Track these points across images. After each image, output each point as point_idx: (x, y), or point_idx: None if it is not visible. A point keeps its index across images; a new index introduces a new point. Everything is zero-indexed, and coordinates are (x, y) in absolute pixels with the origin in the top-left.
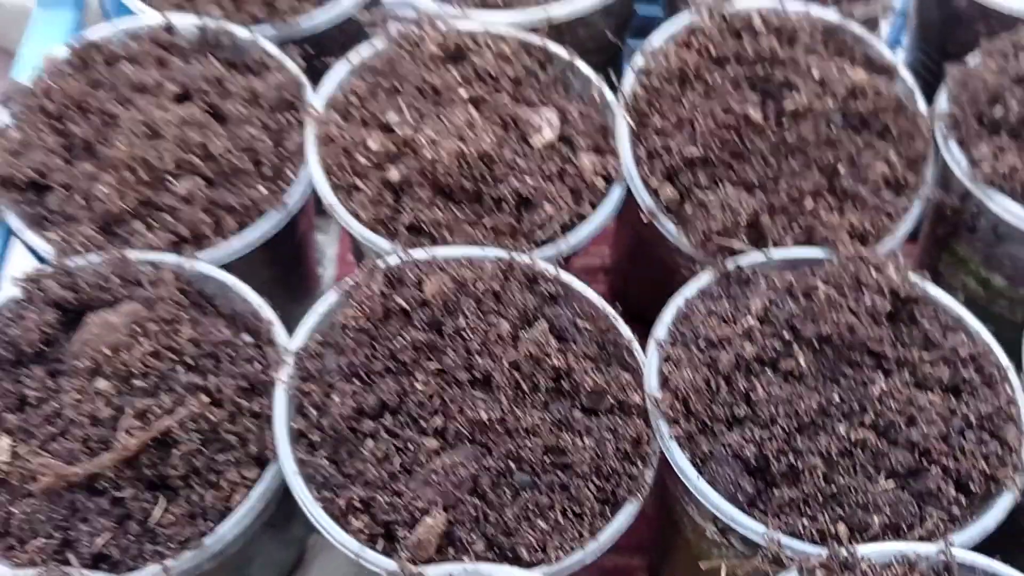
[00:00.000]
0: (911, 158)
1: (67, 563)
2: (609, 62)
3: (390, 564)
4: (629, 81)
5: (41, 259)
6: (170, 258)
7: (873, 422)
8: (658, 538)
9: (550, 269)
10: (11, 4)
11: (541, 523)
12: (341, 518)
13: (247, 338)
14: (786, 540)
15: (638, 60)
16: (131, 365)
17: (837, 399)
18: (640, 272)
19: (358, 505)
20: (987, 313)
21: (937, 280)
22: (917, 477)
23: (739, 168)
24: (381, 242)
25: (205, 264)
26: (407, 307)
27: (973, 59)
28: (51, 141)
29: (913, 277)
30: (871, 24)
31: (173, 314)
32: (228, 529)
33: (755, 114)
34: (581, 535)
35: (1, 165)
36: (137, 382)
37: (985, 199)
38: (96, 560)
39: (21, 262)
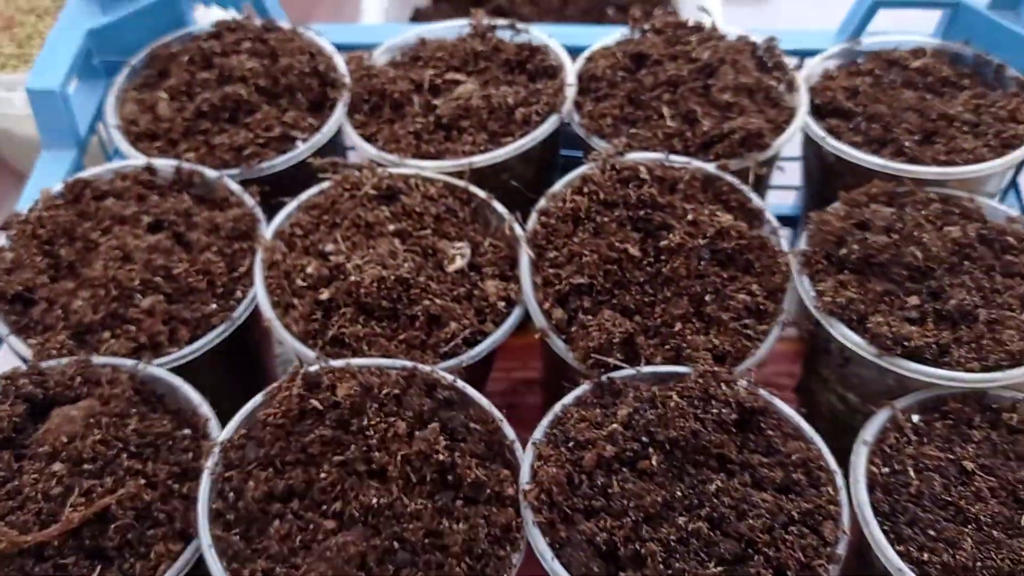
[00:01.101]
0: (771, 290)
1: None
2: (533, 201)
3: None
4: (532, 220)
5: (23, 359)
6: (128, 362)
7: (708, 515)
8: None
9: (447, 377)
10: (23, 135)
11: None
12: None
13: (186, 431)
14: None
15: (540, 202)
16: (83, 451)
17: (679, 494)
18: (558, 383)
19: None
20: (848, 427)
21: (810, 398)
22: (743, 563)
23: (619, 295)
24: (307, 352)
25: (156, 368)
26: (320, 407)
27: (833, 207)
28: (39, 262)
29: (762, 391)
30: (760, 178)
31: (123, 410)
32: None
33: (634, 250)
34: None
35: None
36: (87, 465)
37: (829, 327)
38: None
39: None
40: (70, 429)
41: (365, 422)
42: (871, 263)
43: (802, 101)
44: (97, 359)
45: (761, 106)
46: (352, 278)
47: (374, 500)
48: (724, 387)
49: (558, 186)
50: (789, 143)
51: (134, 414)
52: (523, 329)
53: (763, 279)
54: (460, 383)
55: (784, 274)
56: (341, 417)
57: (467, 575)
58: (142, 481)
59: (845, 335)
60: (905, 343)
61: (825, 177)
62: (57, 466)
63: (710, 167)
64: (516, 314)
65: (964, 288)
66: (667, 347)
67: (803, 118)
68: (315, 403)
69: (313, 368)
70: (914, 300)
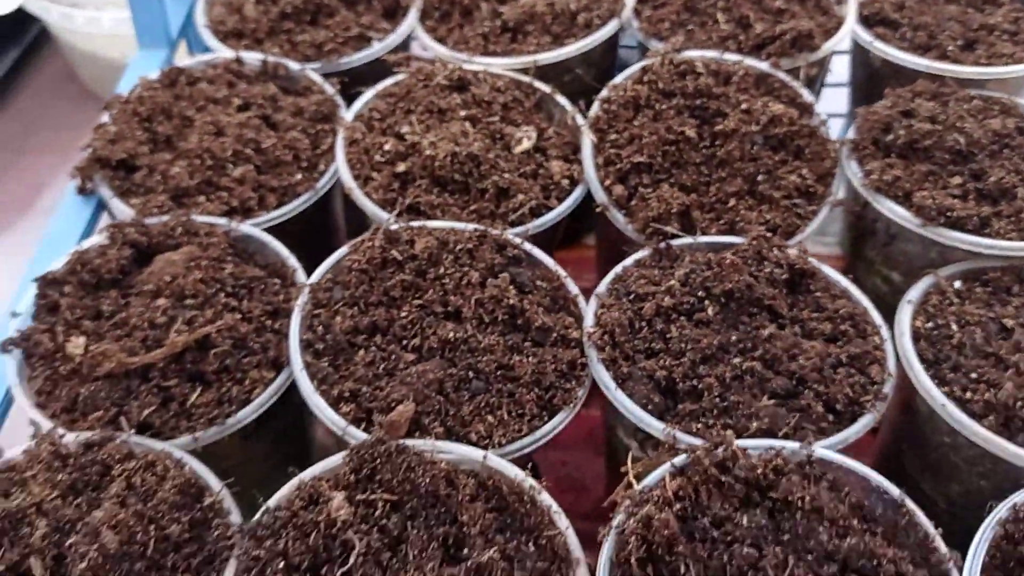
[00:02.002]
0: (820, 174)
1: (119, 429)
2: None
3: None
4: (594, 107)
5: None
6: (222, 220)
7: (761, 356)
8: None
9: (516, 239)
10: (107, 57)
11: (490, 418)
12: (334, 405)
13: (275, 280)
14: (681, 435)
15: (603, 92)
16: (184, 288)
17: (734, 339)
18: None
19: (347, 395)
20: (892, 309)
21: (856, 283)
22: (794, 398)
23: (676, 174)
24: (385, 215)
25: (248, 226)
26: (399, 258)
27: (880, 102)
28: (139, 135)
29: (810, 258)
30: (811, 79)
31: (220, 255)
32: (246, 413)
33: (691, 132)
34: (521, 431)
35: (100, 149)
36: (188, 300)
37: (875, 202)
38: (142, 428)
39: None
40: (172, 270)
41: (441, 271)
42: (916, 148)
43: (850, 10)
44: (195, 217)
45: (811, 13)
46: (427, 153)
47: (451, 335)
48: (776, 251)
49: (619, 78)
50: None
51: (229, 260)
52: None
53: (813, 164)
54: (527, 244)
55: (833, 159)
56: (419, 267)
57: (536, 403)
58: (238, 316)
59: (892, 209)
60: (948, 214)
61: (871, 84)
62: (161, 301)
63: (763, 65)
64: (578, 192)
65: (1004, 169)
66: (721, 221)
67: (852, 25)
68: (395, 254)
69: (393, 226)
70: (956, 180)
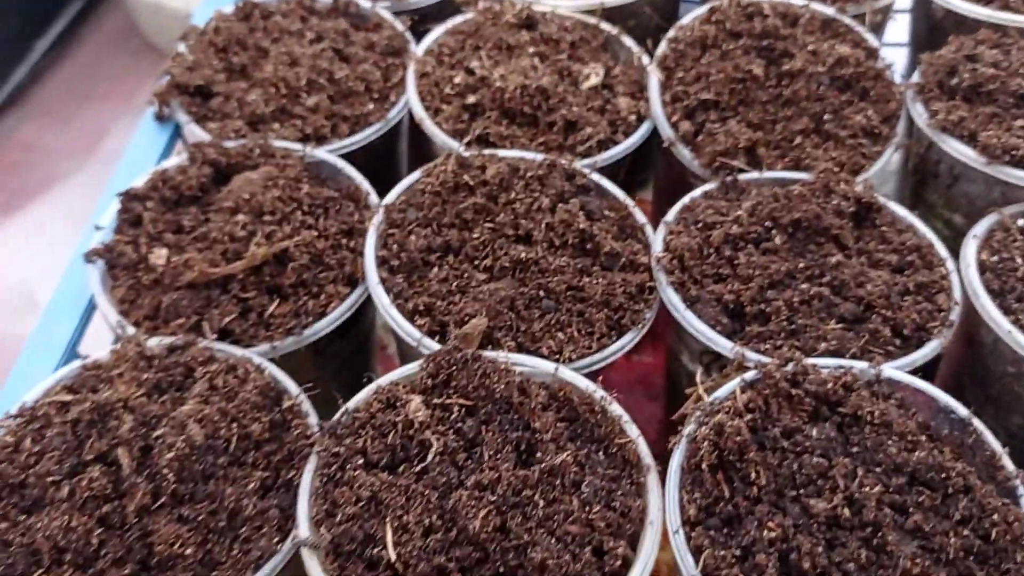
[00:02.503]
0: (885, 115)
1: (201, 336)
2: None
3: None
4: (661, 46)
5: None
6: (297, 146)
7: (829, 282)
8: (666, 400)
9: (585, 170)
10: (171, 7)
11: (560, 335)
12: (409, 317)
13: (349, 202)
14: (750, 354)
15: (670, 32)
16: (263, 205)
17: (802, 266)
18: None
19: (422, 309)
20: (954, 251)
21: None
22: (861, 323)
23: (743, 112)
24: (456, 144)
25: (323, 152)
26: (471, 183)
27: (944, 48)
28: (216, 64)
29: (876, 195)
30: (875, 26)
31: (297, 176)
32: (323, 325)
33: (758, 71)
34: (590, 348)
35: (178, 76)
36: (266, 216)
37: (940, 142)
38: (222, 335)
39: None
40: (251, 188)
41: (512, 196)
42: (979, 92)
43: None
44: (272, 141)
45: None
46: (497, 85)
47: (522, 255)
48: (843, 184)
49: (686, 19)
50: None
51: (306, 181)
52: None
53: (878, 106)
54: (595, 175)
55: (898, 102)
56: (490, 191)
57: (605, 322)
58: (314, 233)
59: (957, 148)
60: (1013, 152)
61: (933, 36)
62: (240, 216)
63: (829, 9)
64: (645, 128)
65: None
66: (787, 159)
67: None
68: (467, 179)
69: (464, 153)
70: (1020, 123)
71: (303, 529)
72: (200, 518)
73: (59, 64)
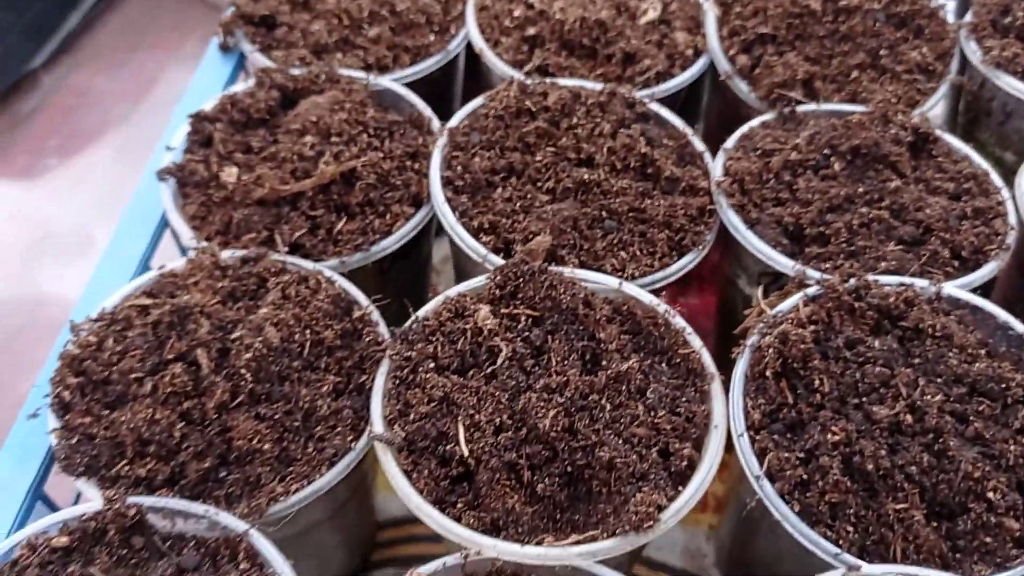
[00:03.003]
0: (939, 53)
1: (272, 249)
2: None
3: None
4: None
5: None
6: (361, 74)
7: (888, 206)
8: (719, 333)
9: (645, 99)
10: None
11: (622, 254)
12: (474, 235)
13: (413, 128)
14: (811, 272)
15: None
16: (330, 126)
17: (861, 191)
18: None
19: (487, 227)
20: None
21: None
22: (920, 245)
23: (800, 46)
24: (517, 73)
25: (386, 80)
26: (533, 108)
27: None
28: None
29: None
30: None
31: (362, 100)
32: (389, 243)
33: (815, 5)
34: (652, 267)
35: (243, 6)
36: (334, 137)
37: (994, 78)
38: (292, 249)
39: None
40: (318, 111)
41: (574, 121)
42: None
43: None
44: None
45: None
46: (557, 17)
47: (584, 177)
48: (900, 115)
49: None
50: None
51: (370, 106)
52: None
53: (932, 44)
54: (654, 104)
55: (952, 40)
56: (552, 117)
57: (667, 243)
58: (380, 155)
59: (1010, 84)
60: None
61: None
62: (308, 137)
63: None
64: (703, 61)
65: None
66: (843, 92)
67: None
68: (529, 104)
69: (526, 80)
70: None
71: (377, 426)
72: (276, 417)
73: (110, 13)
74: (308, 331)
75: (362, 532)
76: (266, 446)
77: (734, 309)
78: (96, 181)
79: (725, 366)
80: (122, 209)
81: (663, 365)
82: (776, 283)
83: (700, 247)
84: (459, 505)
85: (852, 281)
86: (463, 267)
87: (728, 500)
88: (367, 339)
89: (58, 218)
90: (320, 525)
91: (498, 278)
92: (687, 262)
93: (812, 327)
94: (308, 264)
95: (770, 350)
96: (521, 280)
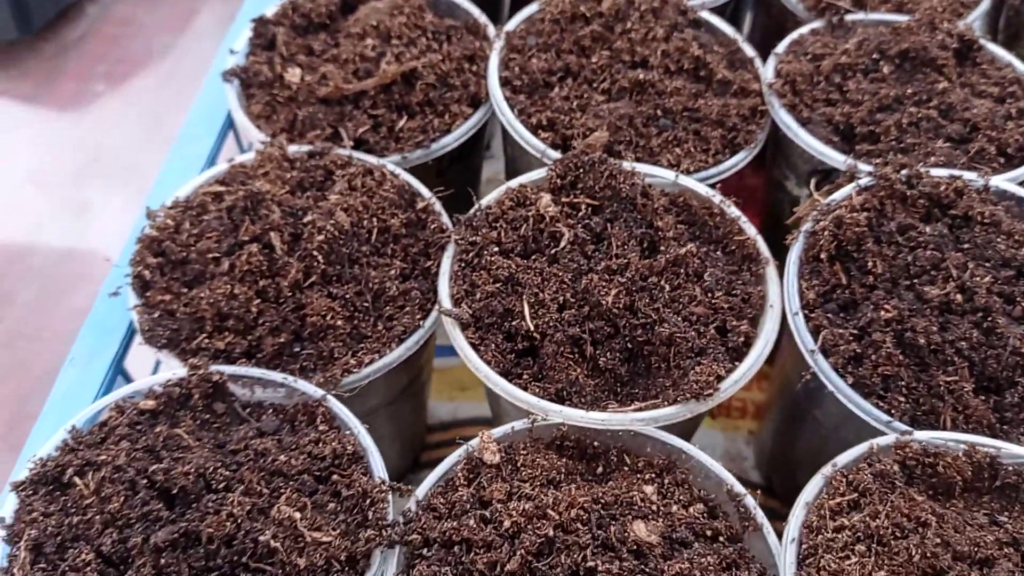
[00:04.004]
0: None
1: (338, 145)
2: None
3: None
4: None
5: None
6: None
7: (936, 106)
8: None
9: (696, 6)
10: None
11: (677, 150)
12: (533, 131)
13: (469, 33)
14: (863, 166)
15: None
16: (391, 29)
17: (910, 92)
18: None
19: (545, 124)
20: None
21: None
22: (967, 143)
23: None
24: None
25: None
26: (587, 13)
27: None
28: None
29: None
30: None
31: (420, 6)
32: (450, 140)
33: None
34: (707, 163)
35: None
36: (394, 40)
37: None
38: (356, 145)
39: None
40: (378, 16)
41: (628, 25)
42: None
43: None
44: None
45: None
46: None
47: (640, 77)
48: (947, 23)
49: None
50: None
51: (428, 11)
52: None
53: None
54: (705, 11)
55: None
56: (606, 22)
57: (720, 140)
58: (439, 56)
59: None
60: None
61: None
62: (369, 40)
63: None
64: None
65: None
66: (890, 3)
67: None
68: (583, 10)
69: None
70: None
71: (446, 303)
72: (347, 297)
73: None
74: (375, 218)
75: (414, 428)
76: (338, 323)
77: (780, 214)
78: (142, 108)
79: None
80: (173, 132)
81: (718, 253)
82: (826, 180)
83: (752, 145)
84: (524, 377)
85: (904, 171)
86: (518, 168)
87: (769, 405)
88: (432, 227)
89: (106, 143)
90: (378, 412)
91: (559, 168)
92: (741, 159)
93: (865, 213)
94: (372, 158)
95: (825, 233)
96: (581, 170)
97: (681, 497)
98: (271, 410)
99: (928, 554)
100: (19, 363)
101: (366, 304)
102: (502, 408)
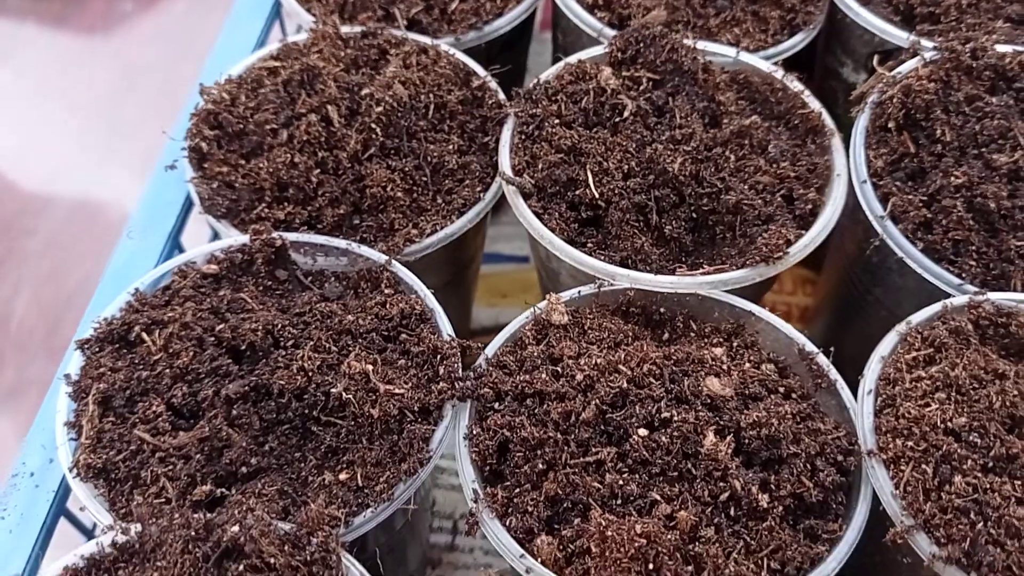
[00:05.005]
0: None
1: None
2: None
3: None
4: None
5: None
6: None
7: None
8: None
9: None
10: None
11: (736, 31)
12: (588, 11)
13: None
14: (925, 42)
15: None
16: None
17: None
18: None
19: (601, 3)
20: None
21: None
22: None
23: None
24: None
25: None
26: None
27: None
28: None
29: None
30: None
31: None
32: (502, 23)
33: None
34: (766, 42)
35: None
36: None
37: None
38: (409, 26)
39: None
40: None
41: None
42: None
43: None
44: None
45: None
46: None
47: None
48: None
49: None
50: None
51: None
52: None
53: None
54: None
55: None
56: None
57: (779, 21)
58: None
59: None
60: None
61: None
62: None
63: None
64: None
65: None
66: None
67: None
68: None
69: None
70: None
71: (507, 172)
72: (407, 170)
73: None
74: (432, 94)
75: (459, 326)
76: (398, 194)
77: (834, 106)
78: (173, 24)
79: None
80: (204, 48)
81: (781, 128)
82: (886, 60)
83: (811, 26)
84: (589, 246)
85: (969, 44)
86: (569, 53)
87: (819, 306)
88: (489, 102)
89: (138, 61)
90: None
91: (620, 42)
92: (800, 39)
93: (932, 83)
94: (426, 38)
95: (893, 101)
96: (642, 44)
97: (751, 358)
98: (333, 278)
99: (1008, 403)
100: (56, 271)
101: (425, 178)
102: (561, 285)
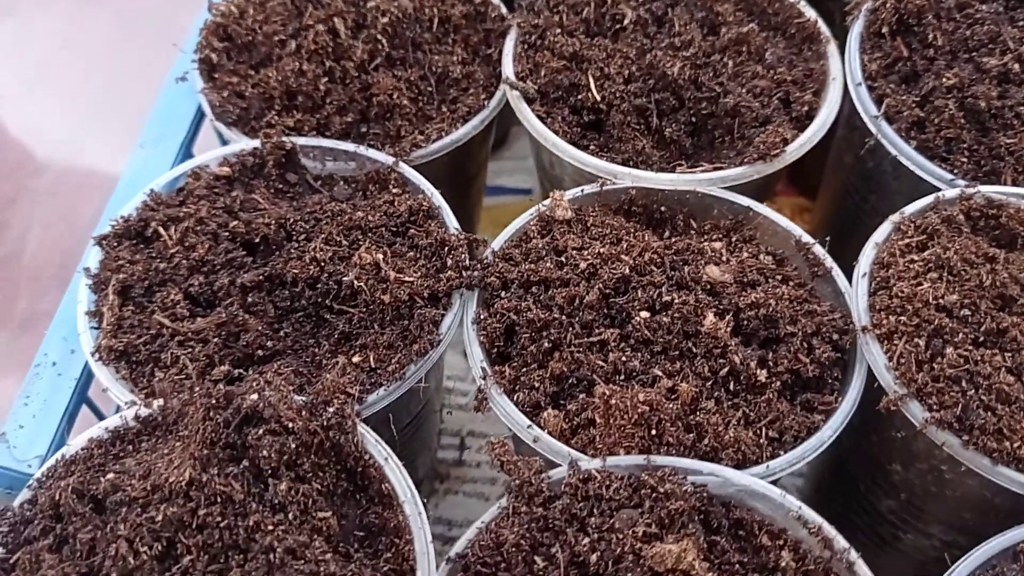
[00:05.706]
0: None
1: None
2: None
3: None
4: None
5: None
6: None
7: None
8: None
9: None
10: None
11: None
12: None
13: None
14: None
15: None
16: None
17: None
18: None
19: None
20: None
21: None
22: None
23: None
24: None
25: None
26: None
27: None
28: None
29: None
30: None
31: None
32: None
33: None
34: None
35: None
36: None
37: None
38: None
39: None
40: None
41: None
42: None
43: None
44: None
45: None
46: None
47: None
48: None
49: None
50: None
51: None
52: None
53: None
54: None
55: None
56: None
57: None
58: None
59: None
60: None
61: None
62: None
63: None
64: None
65: None
66: None
67: None
68: None
69: None
70: None
71: (511, 78)
72: (412, 79)
73: None
74: (436, 8)
75: None
76: (404, 102)
77: (831, 24)
78: None
79: None
80: None
81: (778, 38)
82: None
83: None
84: (591, 148)
85: None
86: None
87: (817, 226)
88: (492, 15)
89: (139, 5)
90: None
91: None
92: None
93: None
94: None
95: (887, 7)
96: None
97: (749, 250)
98: (342, 181)
99: (999, 283)
100: (65, 209)
101: (430, 88)
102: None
